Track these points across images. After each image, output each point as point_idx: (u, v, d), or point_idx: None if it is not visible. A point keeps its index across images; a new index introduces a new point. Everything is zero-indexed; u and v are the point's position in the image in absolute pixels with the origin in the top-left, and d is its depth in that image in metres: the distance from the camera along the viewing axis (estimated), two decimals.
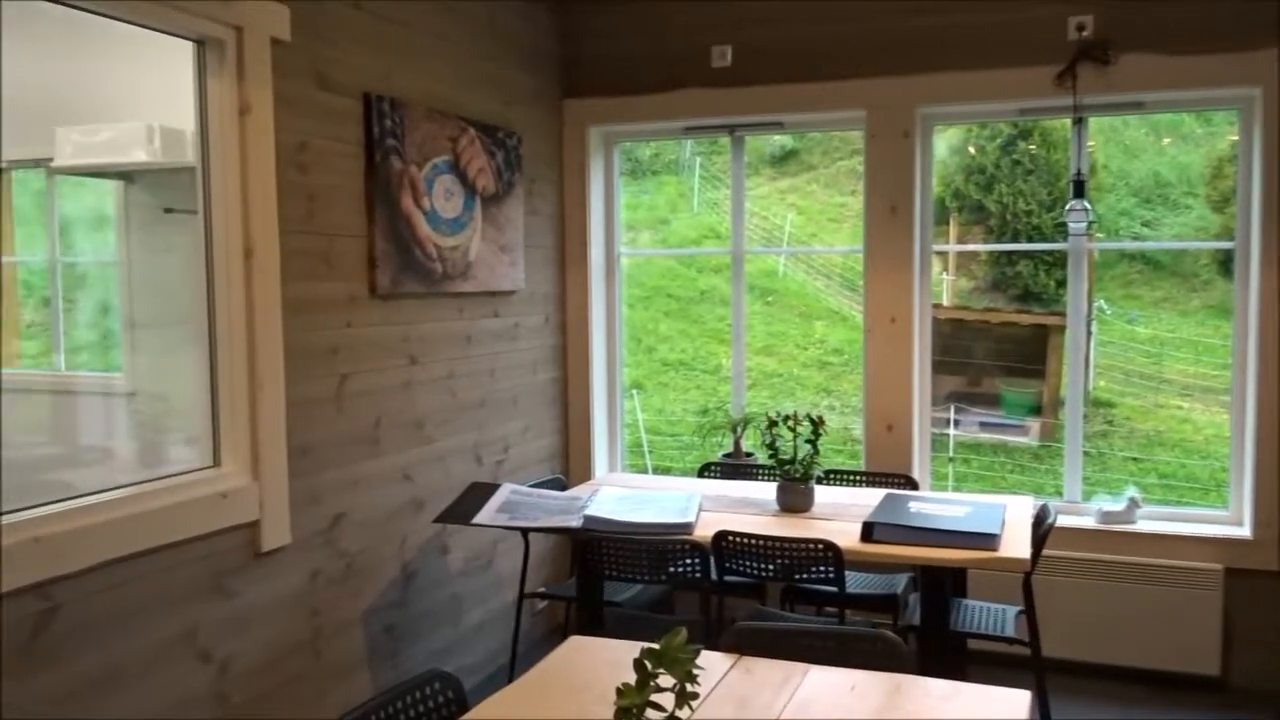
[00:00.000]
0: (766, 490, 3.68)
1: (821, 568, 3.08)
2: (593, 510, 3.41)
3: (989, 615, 3.54)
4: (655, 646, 1.49)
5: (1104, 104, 4.10)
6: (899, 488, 3.95)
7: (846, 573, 3.09)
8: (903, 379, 4.39)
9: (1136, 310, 12.69)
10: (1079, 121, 4.15)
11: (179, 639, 2.77)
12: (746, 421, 4.58)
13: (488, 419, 4.23)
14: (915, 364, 4.40)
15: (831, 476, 4.13)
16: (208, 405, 2.99)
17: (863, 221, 4.47)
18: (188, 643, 2.80)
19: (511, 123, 4.34)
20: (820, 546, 3.06)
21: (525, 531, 3.75)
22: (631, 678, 1.50)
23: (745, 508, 3.53)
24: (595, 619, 3.47)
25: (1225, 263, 11.59)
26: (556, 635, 4.41)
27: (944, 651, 3.19)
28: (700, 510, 3.45)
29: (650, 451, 11.71)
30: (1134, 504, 4.19)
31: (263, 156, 3.00)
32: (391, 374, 3.63)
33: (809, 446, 3.47)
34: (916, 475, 4.30)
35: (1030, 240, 12.63)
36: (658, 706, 1.49)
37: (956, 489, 10.06)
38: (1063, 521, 4.00)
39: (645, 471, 10.08)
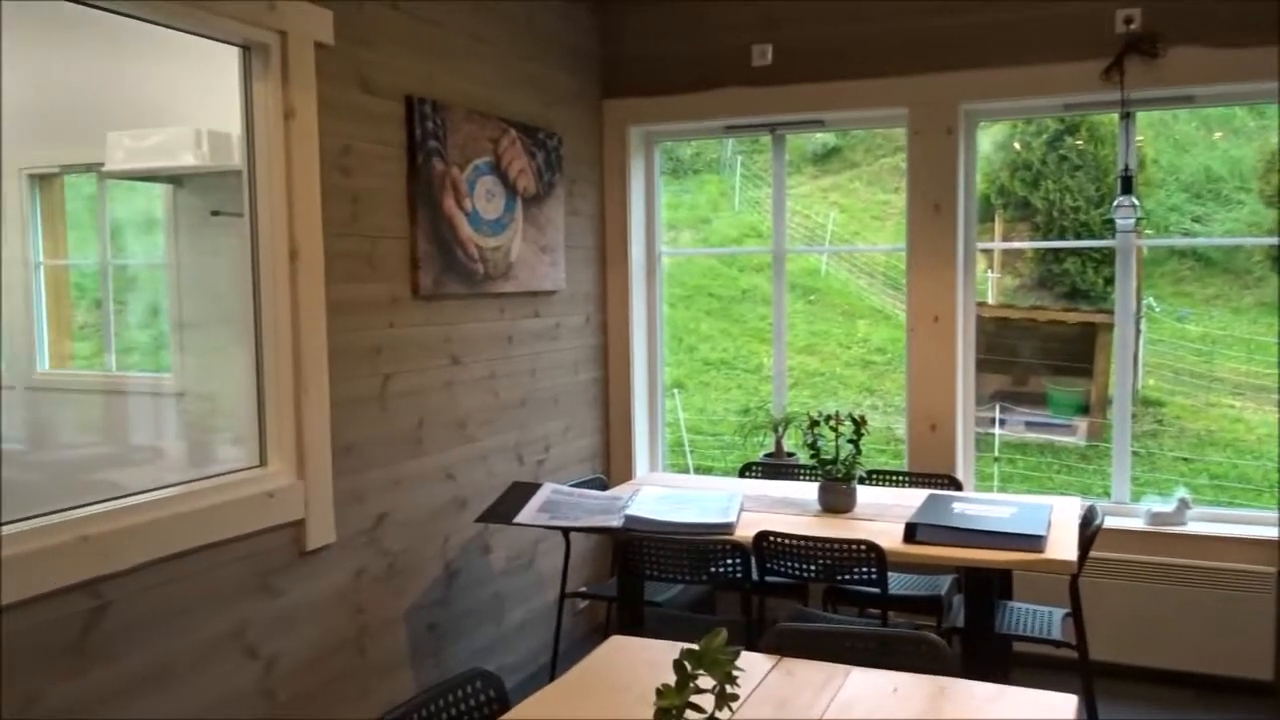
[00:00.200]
0: (808, 490, 3.66)
1: (864, 569, 3.05)
2: (634, 510, 3.41)
3: (1035, 618, 3.49)
4: (695, 647, 1.48)
5: (1152, 98, 4.03)
6: (943, 488, 3.91)
7: (889, 574, 3.06)
8: (946, 378, 4.34)
9: (1187, 307, 12.45)
10: (1127, 116, 4.08)
11: (227, 636, 2.81)
12: (788, 421, 4.56)
13: (529, 418, 4.25)
14: (959, 363, 4.35)
15: (874, 477, 4.10)
16: (254, 405, 3.03)
17: (905, 219, 4.43)
18: (235, 640, 2.84)
19: (552, 123, 4.35)
20: (862, 547, 3.04)
21: (566, 531, 3.76)
22: (671, 678, 1.50)
23: (787, 508, 3.51)
24: (636, 619, 3.47)
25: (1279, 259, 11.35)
26: (597, 635, 4.42)
27: (989, 654, 3.16)
28: (741, 510, 3.44)
29: (691, 451, 11.70)
30: (1184, 505, 4.11)
31: (307, 159, 3.04)
32: (434, 374, 3.66)
33: (851, 446, 3.44)
34: (960, 476, 4.26)
35: (1078, 237, 12.44)
36: (697, 708, 1.49)
37: (1001, 490, 9.94)
38: (1111, 523, 3.94)
39: (686, 471, 10.07)
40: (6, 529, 2.28)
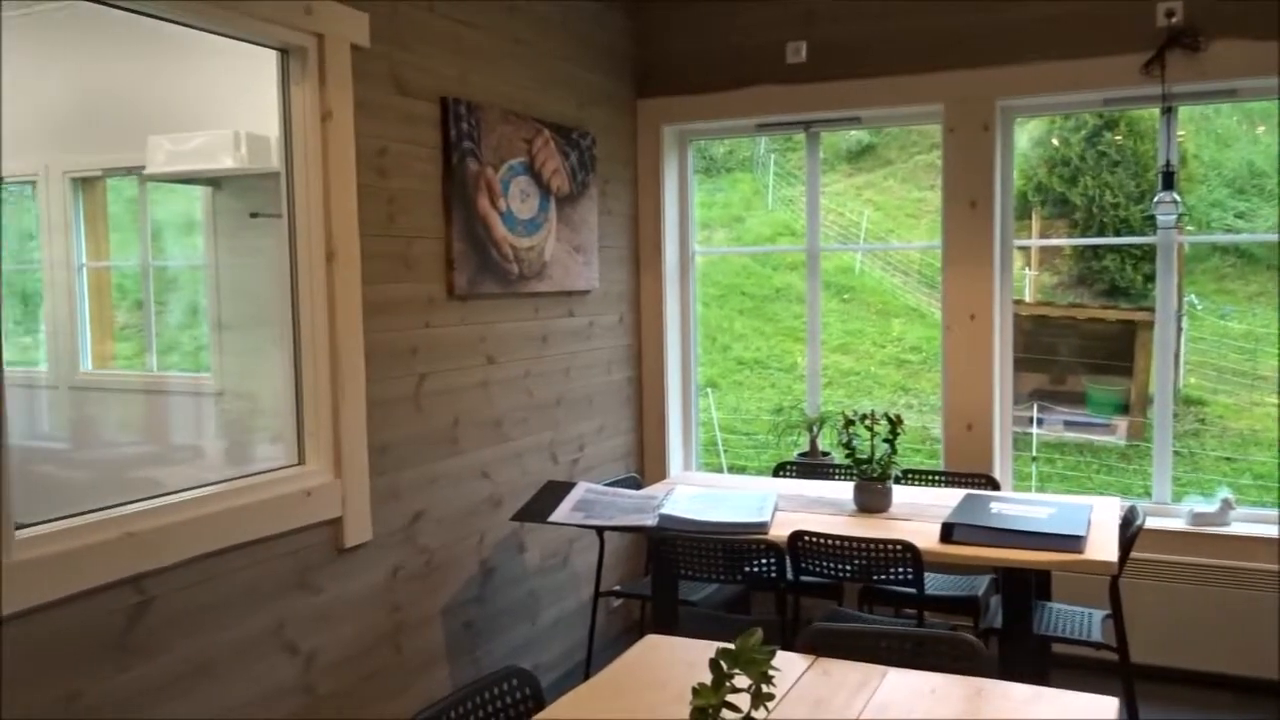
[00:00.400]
0: (843, 490, 3.64)
1: (900, 569, 3.03)
2: (668, 509, 3.41)
3: (1074, 619, 3.45)
4: (731, 646, 1.48)
5: (1195, 92, 3.96)
6: (979, 488, 3.88)
7: (925, 574, 3.04)
8: (983, 377, 4.31)
9: (1229, 304, 12.25)
10: (1168, 111, 4.02)
11: (266, 632, 2.85)
12: (822, 420, 4.54)
13: (563, 418, 4.26)
14: (996, 361, 4.31)
15: (909, 476, 4.07)
16: (292, 404, 3.06)
17: (941, 216, 4.39)
18: (274, 636, 2.87)
19: (585, 123, 4.36)
20: (898, 547, 3.02)
21: (600, 530, 3.77)
22: (706, 677, 1.50)
23: (821, 507, 3.50)
24: (670, 618, 3.47)
25: None
26: (632, 633, 4.42)
27: (1027, 655, 3.12)
28: (776, 510, 3.43)
29: (725, 450, 11.68)
30: (1227, 505, 4.04)
31: (344, 161, 3.07)
32: (469, 373, 3.68)
33: (887, 446, 3.42)
34: (998, 475, 4.21)
35: (1117, 233, 12.27)
36: (733, 707, 1.48)
37: (1039, 490, 9.83)
38: (1152, 523, 3.89)
39: (720, 470, 10.06)
40: (53, 525, 2.32)
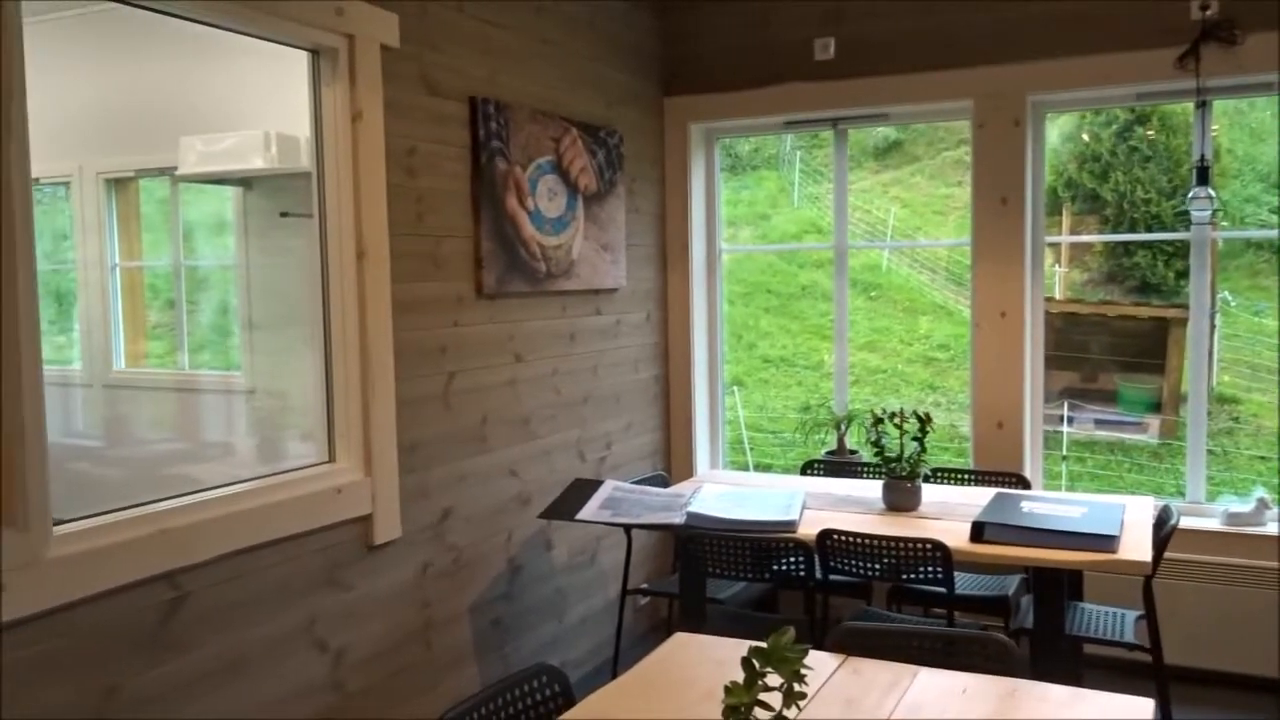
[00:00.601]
0: (871, 488, 3.63)
1: (929, 568, 3.02)
2: (695, 507, 3.41)
3: (1107, 620, 3.42)
4: (763, 645, 1.48)
5: (1230, 86, 3.91)
6: (1010, 487, 3.85)
7: (955, 573, 3.02)
8: (1013, 375, 4.27)
9: (1264, 301, 12.08)
10: (1202, 105, 3.97)
11: (298, 629, 2.87)
12: (850, 418, 4.52)
13: (591, 416, 4.26)
14: (1026, 359, 4.27)
15: (939, 475, 4.04)
16: (322, 403, 3.08)
17: (970, 213, 4.36)
18: (306, 632, 2.90)
19: (613, 122, 4.36)
20: (928, 546, 3.00)
21: (628, 528, 3.77)
22: (735, 675, 1.50)
23: (850, 506, 3.48)
24: (698, 616, 3.47)
25: None
26: (659, 631, 4.42)
27: (1059, 656, 3.10)
28: (804, 508, 3.42)
29: (751, 448, 11.66)
30: (1263, 505, 3.99)
31: (374, 161, 3.09)
32: (497, 372, 3.69)
33: (915, 444, 3.40)
34: (1028, 474, 4.18)
35: (1149, 230, 12.14)
36: (766, 705, 1.48)
37: (1070, 488, 9.75)
38: (1185, 523, 3.84)
39: (746, 469, 10.03)
40: (89, 522, 2.35)
